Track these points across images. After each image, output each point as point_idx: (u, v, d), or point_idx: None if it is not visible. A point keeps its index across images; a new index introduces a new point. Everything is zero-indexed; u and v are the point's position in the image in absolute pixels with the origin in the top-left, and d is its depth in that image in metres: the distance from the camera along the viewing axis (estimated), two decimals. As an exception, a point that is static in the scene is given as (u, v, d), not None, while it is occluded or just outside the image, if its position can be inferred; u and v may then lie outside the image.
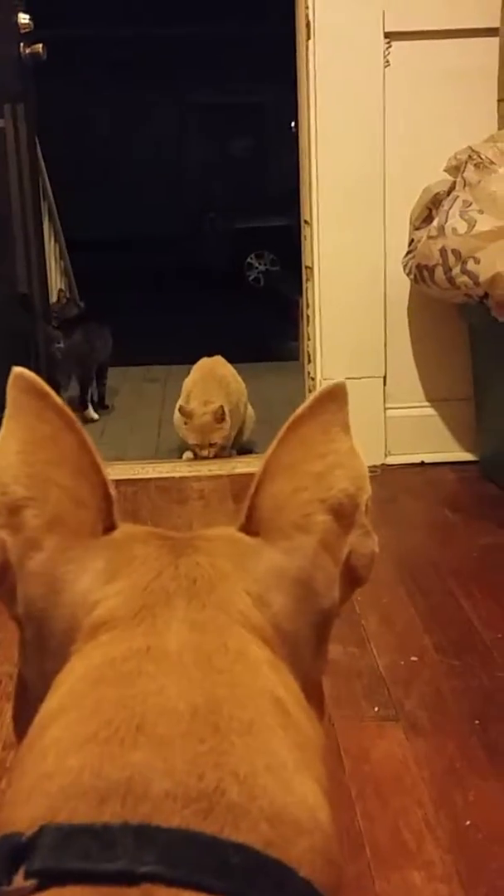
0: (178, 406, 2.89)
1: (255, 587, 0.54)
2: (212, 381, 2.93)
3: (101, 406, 3.59)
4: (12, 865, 0.41)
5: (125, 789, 0.43)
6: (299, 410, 0.59)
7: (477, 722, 1.55)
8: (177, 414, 3.02)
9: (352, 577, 0.60)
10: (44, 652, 0.53)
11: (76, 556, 0.54)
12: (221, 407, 2.85)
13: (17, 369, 0.58)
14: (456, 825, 1.32)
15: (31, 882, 0.40)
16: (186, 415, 2.86)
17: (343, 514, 0.60)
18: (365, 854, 1.28)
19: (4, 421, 0.58)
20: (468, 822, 1.33)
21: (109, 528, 0.56)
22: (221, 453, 2.86)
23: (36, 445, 0.57)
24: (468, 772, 1.44)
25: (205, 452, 2.83)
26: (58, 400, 0.58)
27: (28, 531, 0.55)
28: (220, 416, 2.84)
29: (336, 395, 0.60)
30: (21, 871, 0.41)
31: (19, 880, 0.40)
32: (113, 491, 0.57)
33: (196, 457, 2.84)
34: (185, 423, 2.86)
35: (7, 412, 0.58)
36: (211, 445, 2.82)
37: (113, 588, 0.52)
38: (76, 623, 0.52)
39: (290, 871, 0.43)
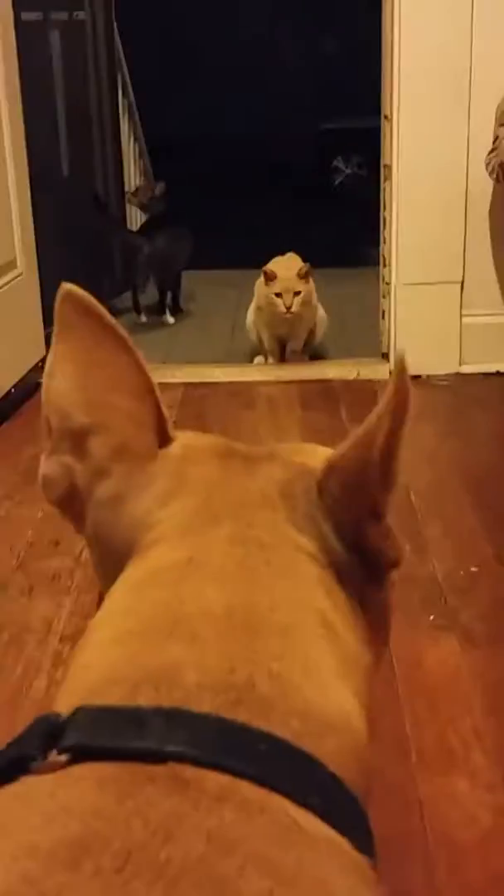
0: (262, 272, 2.85)
1: (304, 515, 0.54)
2: (291, 260, 2.89)
3: (176, 310, 3.57)
4: (48, 743, 0.43)
5: (158, 677, 0.44)
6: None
7: (534, 635, 1.52)
8: (249, 315, 2.98)
9: (376, 560, 0.56)
10: (107, 567, 0.55)
11: (138, 481, 0.55)
12: (306, 264, 2.82)
13: (65, 286, 0.56)
14: (504, 735, 1.31)
15: (64, 757, 0.42)
16: (270, 276, 2.82)
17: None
18: (410, 758, 1.27)
19: (55, 340, 0.57)
20: (517, 730, 1.31)
21: (167, 441, 0.57)
22: (299, 344, 2.85)
23: (93, 368, 0.56)
24: (521, 683, 1.42)
25: (290, 304, 2.79)
26: (111, 319, 0.56)
27: (95, 459, 0.56)
28: (303, 273, 2.82)
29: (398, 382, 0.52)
30: (55, 750, 0.42)
31: (53, 756, 0.42)
32: (165, 409, 0.57)
33: (284, 311, 2.80)
34: (268, 284, 2.83)
35: (57, 331, 0.57)
36: (296, 294, 2.79)
37: (167, 511, 0.54)
38: (135, 544, 0.54)
39: (318, 763, 0.44)
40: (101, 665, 0.47)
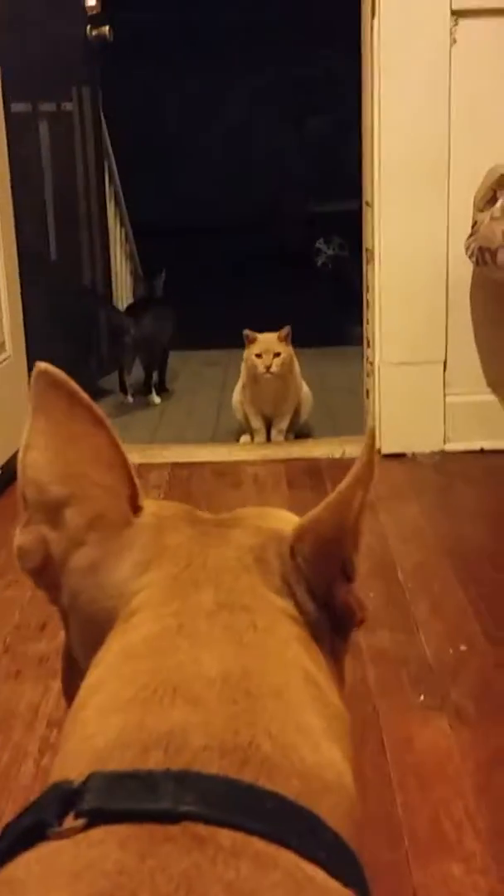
0: (244, 336, 2.89)
1: (279, 577, 0.56)
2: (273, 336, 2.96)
3: (161, 389, 3.60)
4: (63, 809, 0.44)
5: (166, 741, 0.46)
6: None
7: (525, 714, 1.51)
8: (235, 395, 3.01)
9: (343, 617, 0.60)
10: (86, 636, 0.56)
11: (114, 548, 0.57)
12: (288, 327, 2.87)
13: (40, 365, 0.58)
14: (497, 817, 1.29)
15: (81, 821, 0.43)
16: (251, 338, 2.88)
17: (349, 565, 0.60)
18: (403, 844, 1.25)
19: (31, 416, 0.59)
20: (510, 815, 1.30)
21: (137, 510, 0.59)
22: (285, 415, 2.91)
23: (67, 442, 0.58)
24: (513, 764, 1.40)
25: (269, 364, 2.83)
26: (83, 394, 0.59)
27: (71, 530, 0.58)
28: (283, 336, 2.88)
29: (364, 455, 0.57)
30: (71, 814, 0.44)
31: (69, 821, 0.43)
32: (137, 478, 0.59)
33: (264, 371, 2.84)
34: (248, 347, 2.88)
35: (32, 407, 0.59)
36: (276, 355, 2.84)
37: (147, 578, 0.55)
38: (115, 612, 0.55)
39: (321, 820, 0.46)
40: (107, 732, 0.48)
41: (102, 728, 0.48)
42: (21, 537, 0.60)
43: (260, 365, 2.85)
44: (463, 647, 1.70)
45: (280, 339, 2.88)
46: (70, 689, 0.58)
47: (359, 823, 0.50)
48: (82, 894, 0.40)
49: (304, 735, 0.49)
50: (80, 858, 0.42)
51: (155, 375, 3.57)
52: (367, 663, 1.63)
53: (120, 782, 0.45)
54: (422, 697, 1.56)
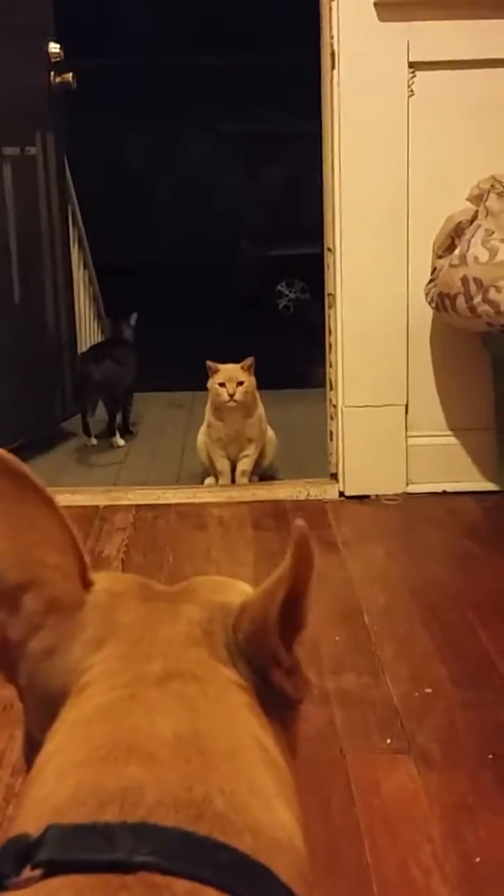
0: (207, 367, 2.92)
1: (224, 649, 0.58)
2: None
3: (125, 431, 3.60)
4: (20, 861, 0.45)
5: (122, 796, 0.47)
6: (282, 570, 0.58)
7: (490, 756, 1.52)
8: (200, 436, 3.02)
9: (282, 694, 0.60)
10: (42, 713, 0.57)
11: (69, 630, 0.59)
12: (251, 358, 2.91)
13: None
14: (465, 862, 1.30)
15: (38, 872, 0.44)
16: (213, 368, 2.91)
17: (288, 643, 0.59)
18: (372, 890, 1.26)
19: None
20: (478, 859, 1.30)
21: (88, 585, 0.61)
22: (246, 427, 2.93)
23: (22, 528, 0.60)
24: (480, 807, 1.41)
25: (233, 392, 2.86)
26: (35, 479, 0.61)
27: (29, 614, 0.59)
28: (247, 366, 2.91)
29: (299, 539, 0.57)
30: (28, 866, 0.45)
31: (27, 873, 0.44)
32: (85, 555, 0.62)
33: (227, 398, 2.86)
34: (212, 376, 2.90)
35: None
36: (239, 384, 2.87)
37: (100, 655, 0.57)
38: (68, 687, 0.57)
39: (274, 874, 0.47)
40: (64, 790, 0.49)
41: (59, 787, 0.49)
42: None
43: (223, 393, 2.88)
44: (428, 690, 1.71)
45: (243, 369, 2.92)
46: (30, 763, 0.59)
47: (310, 884, 0.51)
48: None
49: (255, 795, 0.50)
50: None
51: (118, 417, 3.57)
52: (333, 706, 1.64)
53: (77, 834, 0.46)
54: (388, 741, 1.56)
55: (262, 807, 0.50)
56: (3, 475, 0.60)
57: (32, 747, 0.58)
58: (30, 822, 0.48)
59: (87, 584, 0.61)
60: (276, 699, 0.59)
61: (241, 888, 0.45)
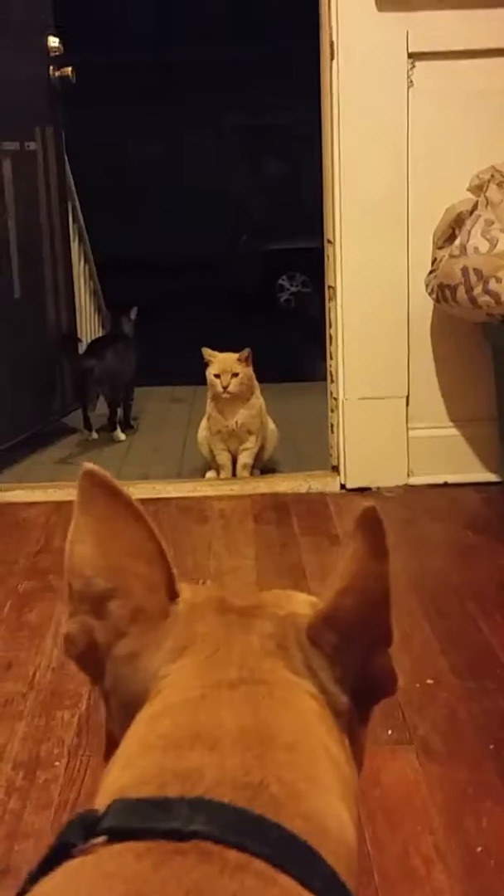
0: (203, 354, 2.92)
1: (300, 662, 0.60)
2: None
3: (127, 426, 3.60)
4: (87, 832, 0.50)
5: (183, 777, 0.51)
6: (351, 541, 0.61)
7: (492, 746, 1.52)
8: (201, 430, 3.02)
9: (374, 687, 0.63)
10: (123, 716, 0.61)
11: (152, 639, 0.62)
12: (248, 350, 2.90)
13: (86, 465, 0.63)
14: (467, 852, 1.30)
15: (102, 839, 0.49)
16: (209, 358, 2.90)
17: (367, 638, 0.62)
18: (373, 880, 1.25)
19: (77, 512, 0.64)
20: (479, 849, 1.30)
21: (175, 597, 0.64)
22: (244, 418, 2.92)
23: (112, 538, 0.63)
24: (481, 797, 1.41)
25: (227, 384, 2.85)
26: (127, 494, 0.63)
27: (115, 620, 0.62)
28: (243, 358, 2.90)
29: (367, 521, 0.61)
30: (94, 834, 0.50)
31: (92, 841, 0.49)
32: (174, 569, 0.64)
33: (222, 390, 2.86)
34: (209, 364, 2.90)
35: (78, 503, 0.64)
36: (234, 376, 2.86)
37: (178, 664, 0.60)
38: (148, 693, 0.60)
39: (320, 855, 0.50)
40: (130, 773, 0.54)
41: (126, 772, 0.54)
42: (68, 625, 0.64)
43: (218, 385, 2.87)
44: (430, 681, 1.70)
45: (239, 360, 2.91)
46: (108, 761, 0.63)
47: (356, 876, 0.53)
48: None
49: (312, 787, 0.54)
50: (102, 868, 0.48)
51: (119, 412, 3.57)
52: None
53: (138, 806, 0.50)
54: (389, 732, 1.56)
55: (317, 799, 0.53)
56: (95, 488, 0.63)
57: (112, 747, 0.61)
58: (100, 802, 0.53)
59: (173, 596, 0.63)
60: (359, 704, 0.61)
61: (287, 863, 0.48)
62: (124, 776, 0.54)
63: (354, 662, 0.61)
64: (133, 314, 3.71)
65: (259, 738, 0.54)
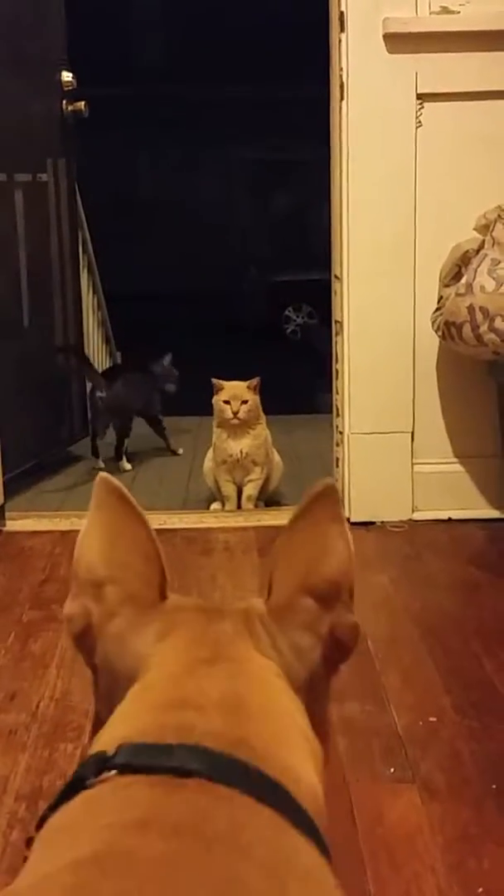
0: (213, 384, 2.94)
1: (264, 645, 0.70)
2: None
3: (132, 456, 3.61)
4: (99, 769, 0.59)
5: (178, 729, 0.61)
6: (297, 508, 0.73)
7: (494, 786, 1.52)
8: (206, 461, 3.03)
9: (339, 646, 0.73)
10: (112, 692, 0.69)
11: (140, 622, 0.71)
12: (258, 378, 2.92)
13: (102, 474, 0.75)
14: (468, 892, 1.29)
15: (114, 773, 0.58)
16: (219, 386, 2.93)
17: (324, 597, 0.73)
18: (374, 920, 1.25)
19: (91, 513, 0.74)
20: (480, 890, 1.30)
21: (164, 598, 0.73)
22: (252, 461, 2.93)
23: (117, 536, 0.73)
24: (483, 838, 1.41)
25: (237, 410, 2.87)
26: (133, 500, 0.73)
27: (109, 603, 0.71)
28: (253, 386, 2.92)
29: (326, 493, 0.73)
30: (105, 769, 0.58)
31: (104, 775, 0.58)
32: (167, 573, 0.73)
33: (231, 416, 2.88)
34: (217, 393, 2.92)
35: (93, 506, 0.74)
36: (243, 403, 2.88)
37: (162, 645, 0.69)
38: (135, 671, 0.68)
39: (297, 800, 0.59)
40: (131, 725, 0.63)
41: (126, 727, 0.63)
42: (70, 607, 0.72)
43: (227, 410, 2.89)
44: (433, 719, 1.70)
45: (249, 388, 2.93)
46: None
47: (324, 825, 0.61)
48: (125, 817, 0.54)
49: (283, 744, 0.63)
50: (119, 794, 0.57)
51: (126, 443, 3.58)
52: (337, 734, 1.64)
53: (144, 748, 0.59)
54: (392, 770, 1.56)
55: (288, 754, 0.63)
56: (109, 494, 0.73)
57: (98, 727, 0.68)
58: (105, 747, 0.61)
59: (163, 595, 0.72)
60: (315, 691, 0.70)
61: (269, 799, 0.57)
62: (125, 728, 0.63)
63: (323, 626, 0.71)
64: (167, 360, 3.77)
65: (236, 704, 0.64)
